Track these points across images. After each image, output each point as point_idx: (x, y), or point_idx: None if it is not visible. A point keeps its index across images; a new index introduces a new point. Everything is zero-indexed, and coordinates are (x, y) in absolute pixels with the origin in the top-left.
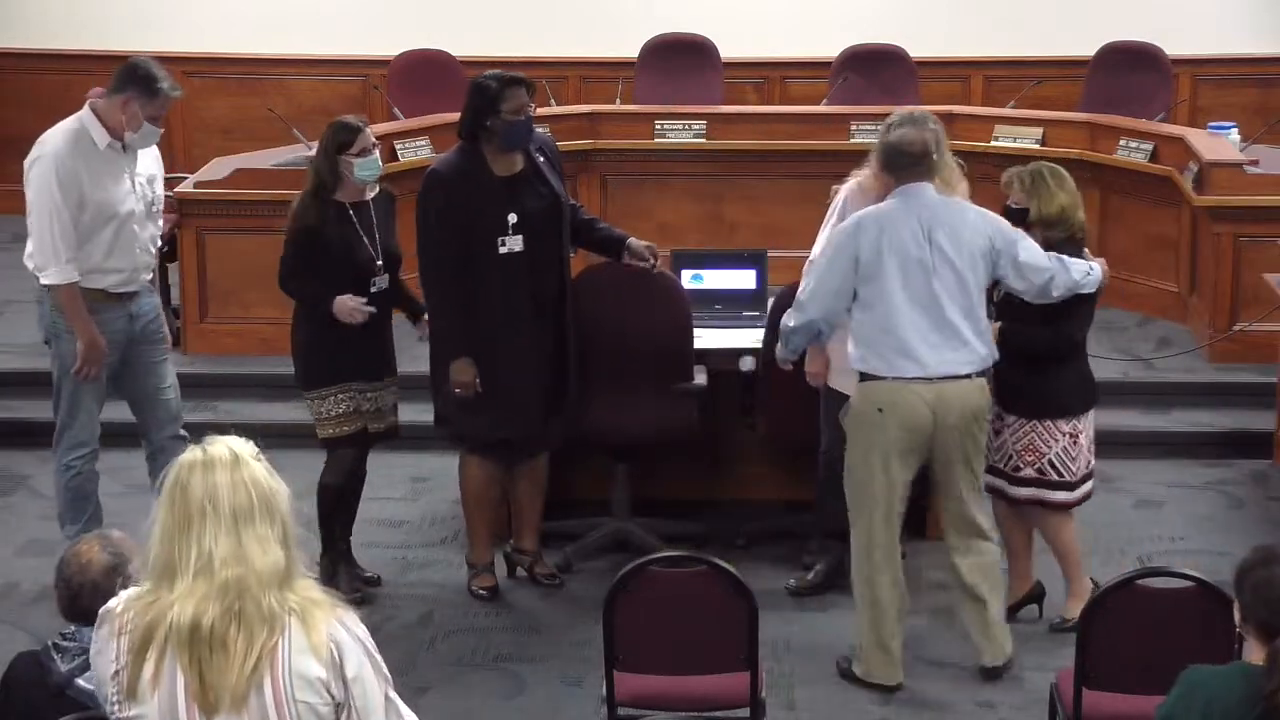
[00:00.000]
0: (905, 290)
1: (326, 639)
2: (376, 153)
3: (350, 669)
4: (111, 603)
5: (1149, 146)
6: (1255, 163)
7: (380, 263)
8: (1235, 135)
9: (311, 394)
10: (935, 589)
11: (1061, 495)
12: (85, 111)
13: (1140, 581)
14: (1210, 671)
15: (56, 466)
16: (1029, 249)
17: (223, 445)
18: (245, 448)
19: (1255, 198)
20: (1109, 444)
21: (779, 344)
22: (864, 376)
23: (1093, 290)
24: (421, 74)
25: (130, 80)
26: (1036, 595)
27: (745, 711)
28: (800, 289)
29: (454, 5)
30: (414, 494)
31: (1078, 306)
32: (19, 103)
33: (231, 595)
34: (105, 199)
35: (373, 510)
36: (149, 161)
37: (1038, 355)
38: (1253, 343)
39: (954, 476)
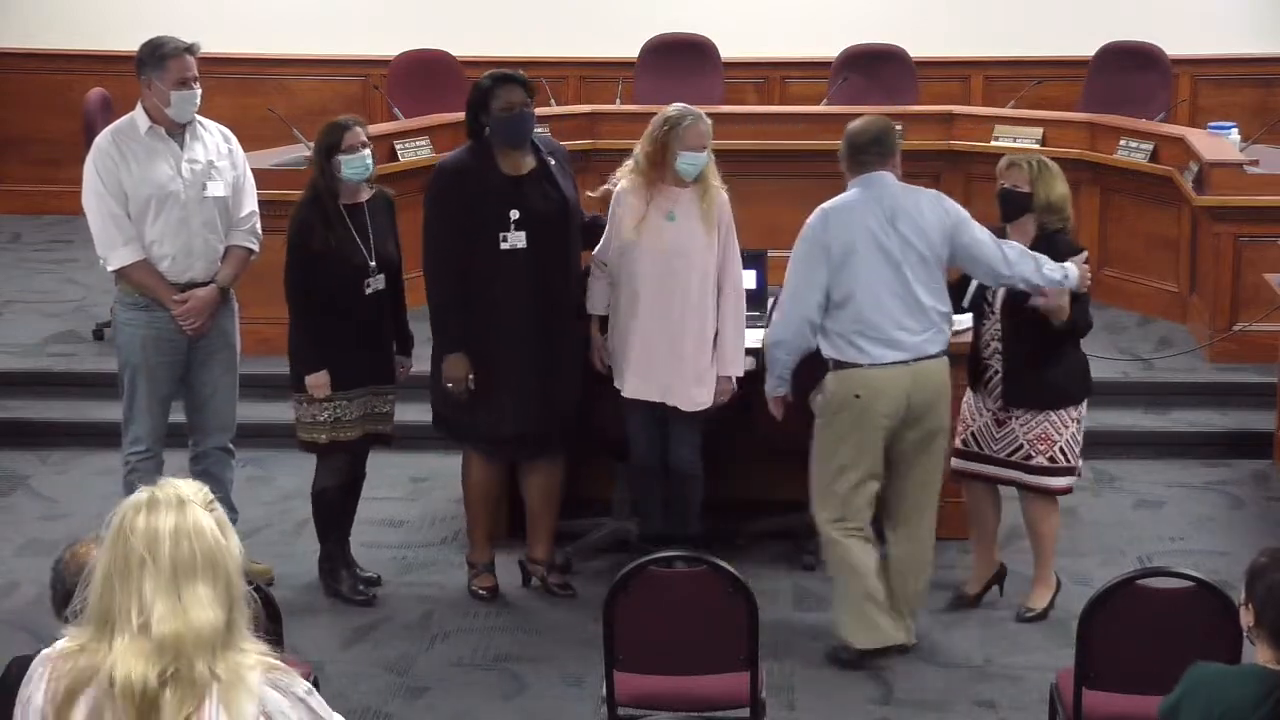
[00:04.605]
0: (879, 278)
1: (256, 711)
2: (367, 151)
3: None
4: (48, 651)
5: (1149, 146)
6: (1255, 163)
7: (374, 264)
8: (1235, 135)
9: (304, 396)
10: (935, 589)
11: (1065, 481)
12: (138, 105)
13: (1140, 581)
14: (1217, 670)
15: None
16: (977, 231)
17: (171, 490)
18: (197, 495)
19: (1255, 198)
20: (1109, 444)
21: (768, 375)
22: (838, 364)
23: (1073, 288)
24: (421, 74)
25: (140, 62)
26: (1001, 576)
27: (745, 711)
28: (780, 300)
29: (454, 5)
30: (414, 494)
31: (1080, 296)
32: (19, 103)
33: (168, 656)
34: (141, 183)
35: (373, 510)
36: (209, 147)
37: (1067, 335)
38: (1253, 343)
39: (918, 460)
